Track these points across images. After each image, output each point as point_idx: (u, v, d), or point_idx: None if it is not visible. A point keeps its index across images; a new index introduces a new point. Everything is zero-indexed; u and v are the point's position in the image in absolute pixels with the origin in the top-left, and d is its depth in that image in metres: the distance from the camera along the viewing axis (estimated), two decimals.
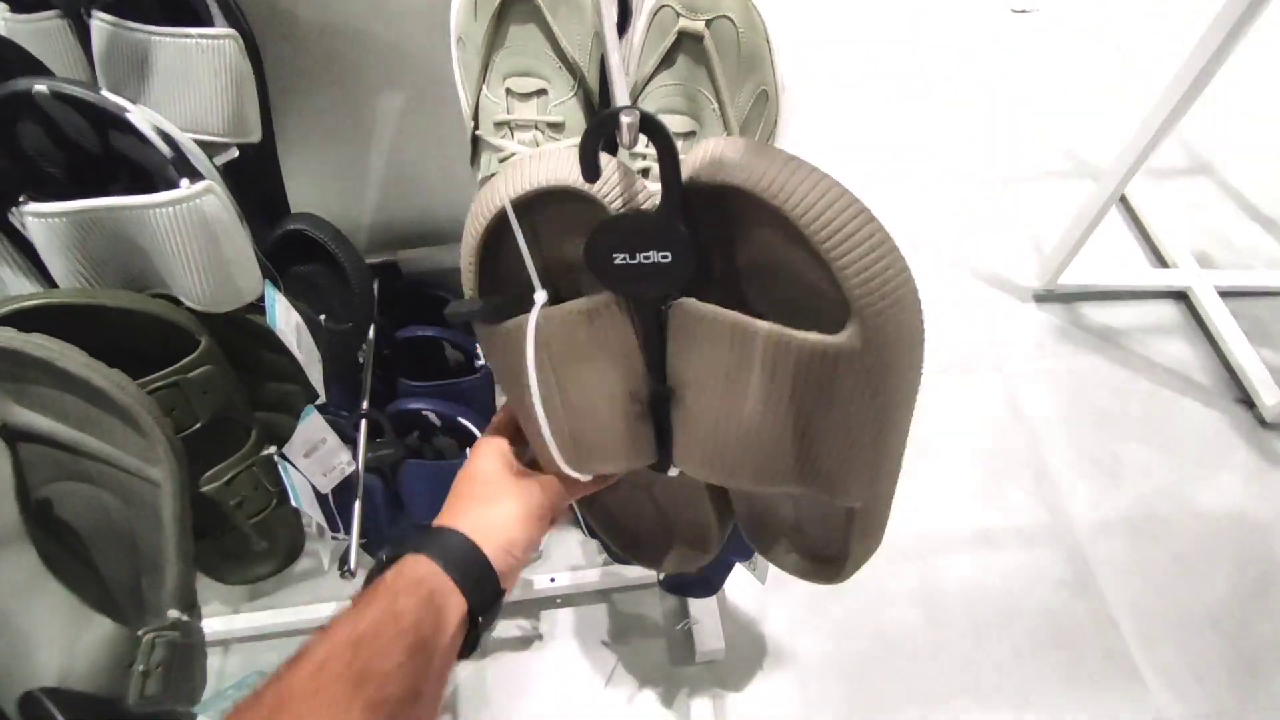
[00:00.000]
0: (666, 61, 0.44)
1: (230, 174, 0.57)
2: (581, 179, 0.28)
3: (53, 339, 0.33)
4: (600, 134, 0.27)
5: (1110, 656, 0.91)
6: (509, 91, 0.42)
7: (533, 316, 0.31)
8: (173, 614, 0.37)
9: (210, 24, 0.53)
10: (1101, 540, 0.99)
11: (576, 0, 0.41)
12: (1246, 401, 1.11)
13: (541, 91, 0.42)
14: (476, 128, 0.44)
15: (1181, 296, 1.23)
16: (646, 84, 0.45)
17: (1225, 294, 1.20)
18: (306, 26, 0.57)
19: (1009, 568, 0.97)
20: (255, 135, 0.56)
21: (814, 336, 0.28)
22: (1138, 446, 1.07)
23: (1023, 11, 1.71)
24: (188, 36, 0.51)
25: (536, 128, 0.42)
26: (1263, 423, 1.09)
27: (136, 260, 0.42)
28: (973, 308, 1.22)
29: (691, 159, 0.28)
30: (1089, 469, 1.05)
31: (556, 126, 0.42)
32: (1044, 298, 1.22)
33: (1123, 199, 1.35)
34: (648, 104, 0.46)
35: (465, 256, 0.32)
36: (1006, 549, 0.99)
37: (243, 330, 0.45)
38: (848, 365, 0.28)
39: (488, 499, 0.36)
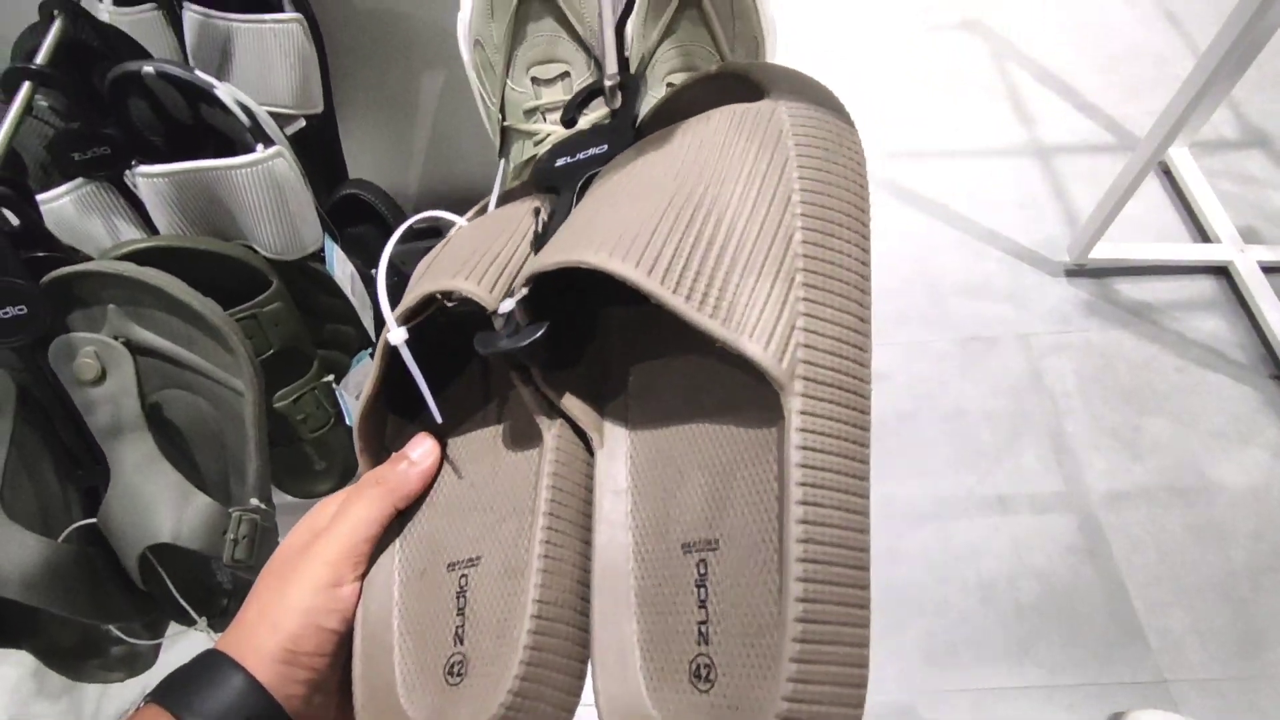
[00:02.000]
0: (669, 31, 0.50)
1: (296, 142, 0.66)
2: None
3: (162, 272, 0.42)
4: (584, 99, 0.33)
5: (1115, 618, 0.94)
6: (534, 80, 0.47)
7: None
8: (254, 501, 0.46)
9: (281, 10, 0.61)
10: (1115, 510, 1.01)
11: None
12: None
13: (565, 74, 0.47)
14: (505, 120, 0.48)
15: (1222, 272, 1.21)
16: (653, 54, 0.51)
17: (1269, 269, 1.18)
18: (362, 12, 0.65)
19: (1020, 532, 1.00)
20: (318, 107, 0.65)
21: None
22: (1160, 420, 1.08)
23: None
24: (262, 22, 0.59)
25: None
26: None
27: (223, 214, 0.50)
28: (1000, 281, 1.23)
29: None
30: (1107, 440, 1.07)
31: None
32: (1075, 272, 1.23)
33: (1167, 172, 1.33)
34: (655, 72, 0.51)
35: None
36: (1019, 514, 1.02)
37: (306, 276, 0.54)
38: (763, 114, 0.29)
39: (281, 576, 0.27)
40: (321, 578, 0.26)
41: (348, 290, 0.55)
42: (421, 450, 0.29)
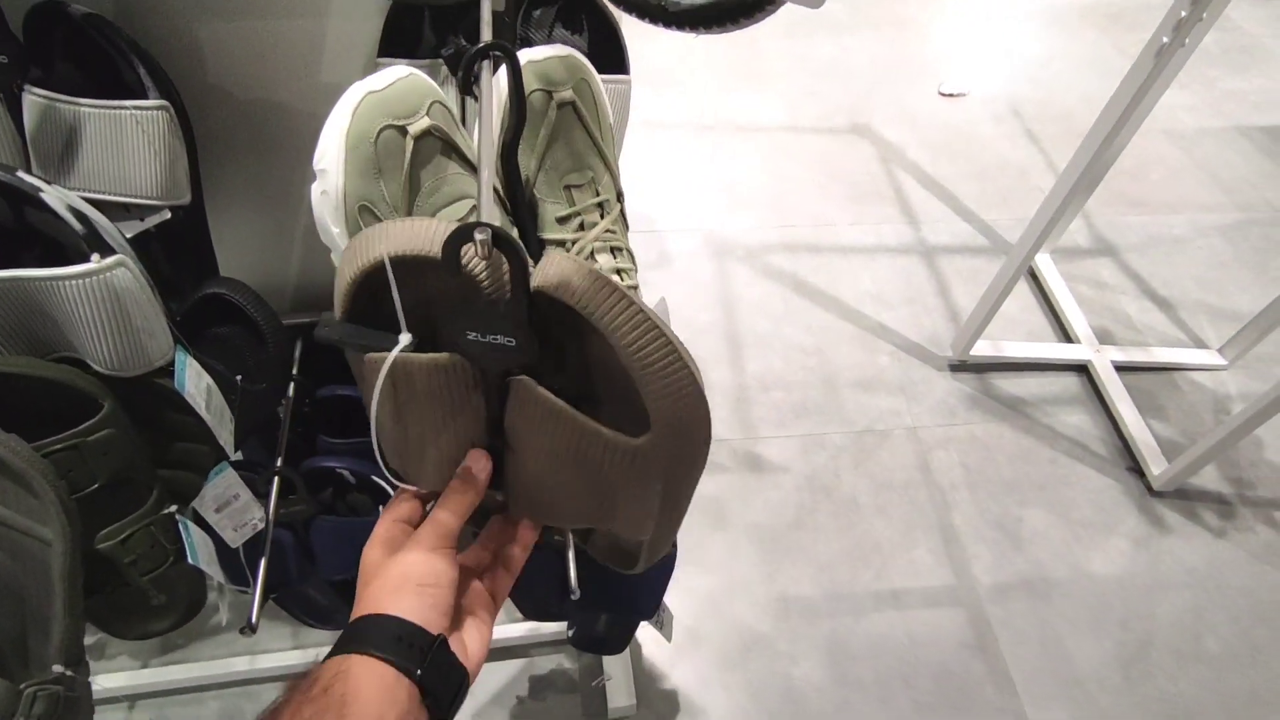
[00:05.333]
0: (553, 137, 0.49)
1: (161, 234, 0.60)
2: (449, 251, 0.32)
3: None
4: (459, 243, 0.31)
5: (1003, 714, 0.95)
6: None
7: (391, 355, 0.34)
8: (57, 669, 0.38)
9: (144, 95, 0.56)
10: (1001, 602, 1.05)
11: (465, 127, 0.45)
12: (1137, 470, 1.19)
13: (473, 209, 0.44)
14: None
15: (1083, 369, 1.32)
16: (542, 160, 0.49)
17: (1121, 368, 1.29)
18: (238, 100, 0.61)
19: (915, 628, 1.02)
20: (185, 198, 0.59)
21: (621, 438, 0.34)
22: (1037, 512, 1.14)
23: (951, 96, 1.84)
24: (121, 108, 0.54)
25: None
26: (1151, 490, 1.17)
27: (46, 326, 0.44)
28: (892, 374, 1.29)
29: (541, 271, 0.32)
30: (991, 532, 1.11)
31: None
32: (958, 367, 1.30)
33: (1034, 277, 1.45)
34: (547, 177, 0.49)
35: (339, 295, 0.35)
36: (913, 609, 1.03)
37: (150, 392, 0.47)
38: (644, 461, 0.34)
39: (378, 576, 0.36)
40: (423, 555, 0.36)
41: (201, 407, 0.49)
42: (479, 464, 0.38)
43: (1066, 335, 1.36)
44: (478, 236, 0.31)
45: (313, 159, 0.44)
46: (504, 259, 0.32)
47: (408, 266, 0.33)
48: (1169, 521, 1.13)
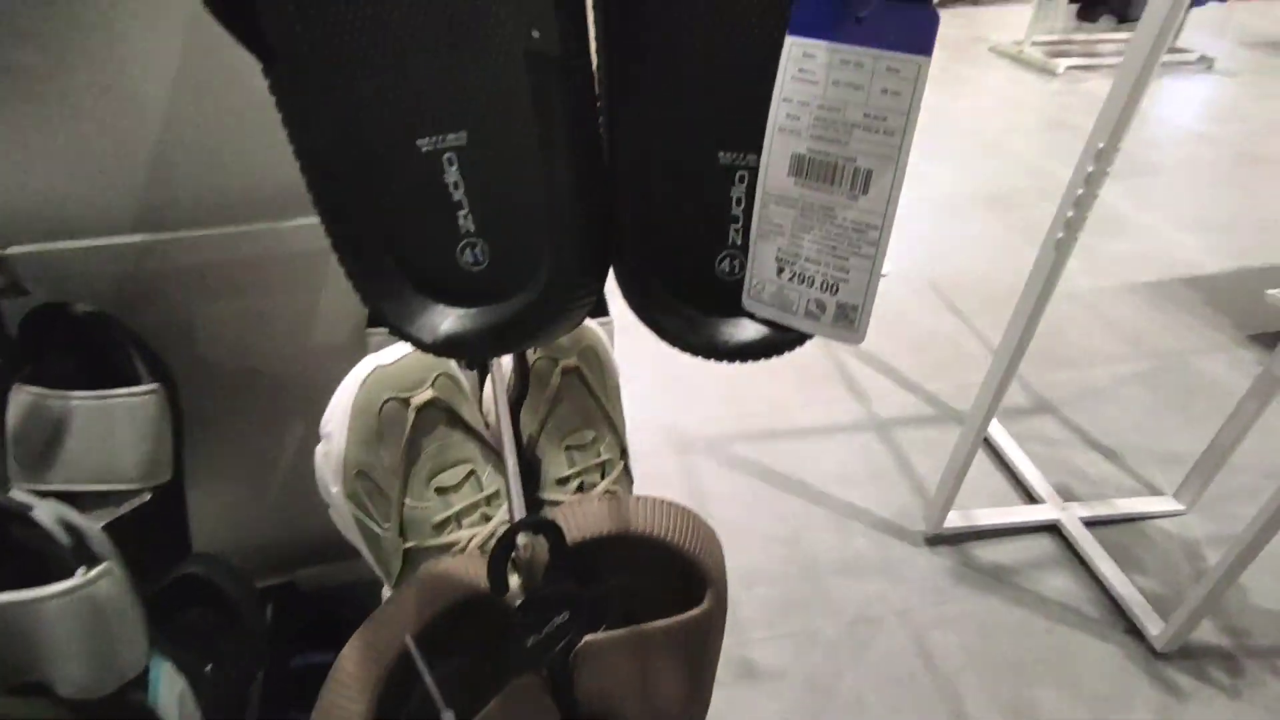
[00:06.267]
0: (557, 399, 0.51)
1: (136, 514, 0.58)
2: (487, 587, 0.32)
3: None
4: (507, 553, 0.32)
5: None
6: (440, 490, 0.44)
7: None
8: None
9: (137, 380, 0.57)
10: None
11: (469, 389, 0.47)
12: (1135, 632, 1.17)
13: (471, 473, 0.45)
14: (408, 541, 0.44)
15: (1054, 529, 1.34)
16: (544, 422, 0.51)
17: (1090, 524, 1.32)
18: (227, 372, 0.63)
19: None
20: (166, 477, 0.58)
21: (692, 612, 0.34)
22: (1049, 691, 1.10)
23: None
24: (112, 397, 0.55)
25: (478, 507, 0.45)
26: (1155, 653, 1.14)
27: (14, 648, 0.41)
28: (871, 555, 1.28)
29: (571, 525, 0.33)
30: (1008, 717, 1.06)
31: (493, 498, 0.46)
32: (934, 541, 1.30)
33: (987, 441, 1.51)
34: (549, 438, 0.51)
35: (355, 692, 0.33)
36: None
37: (119, 708, 0.44)
38: (710, 622, 0.37)
39: None
40: None
41: (173, 717, 0.45)
42: None
43: (1030, 496, 1.40)
44: (520, 541, 0.31)
45: (320, 422, 0.45)
46: (543, 541, 0.33)
47: (434, 629, 0.34)
48: (1183, 686, 1.10)
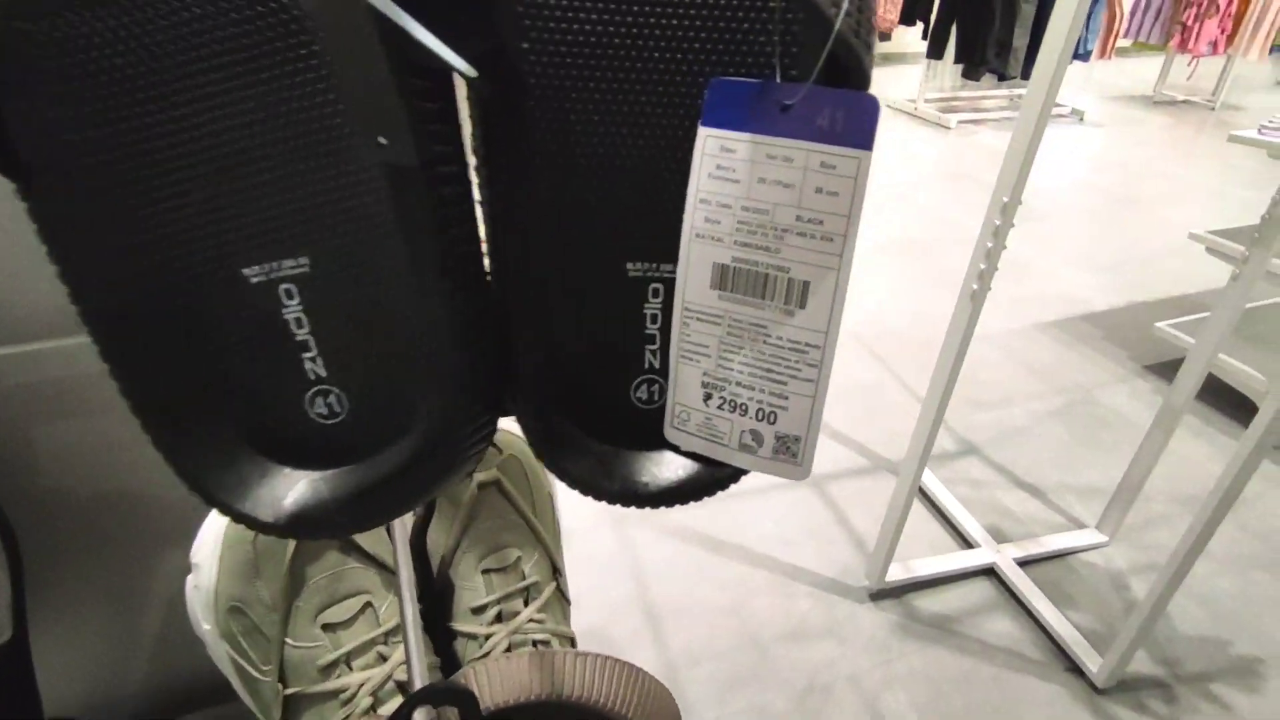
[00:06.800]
0: (473, 516, 0.46)
1: None
2: None
3: None
4: None
5: None
6: (327, 627, 0.39)
7: None
8: None
9: None
10: None
11: None
12: (1076, 670, 1.18)
13: (366, 605, 0.39)
14: (287, 687, 0.38)
15: (990, 572, 1.34)
16: (459, 541, 0.46)
17: (1023, 563, 1.34)
18: (82, 501, 0.54)
19: None
20: (6, 634, 0.49)
21: None
22: None
23: None
24: None
25: (374, 645, 0.39)
26: (1096, 689, 1.15)
27: None
28: (815, 617, 1.25)
29: (487, 690, 0.28)
30: None
31: (392, 634, 0.40)
32: (878, 595, 1.29)
33: (920, 489, 1.53)
34: (464, 559, 0.46)
35: None
36: None
37: None
38: None
39: None
40: None
41: None
42: None
43: (965, 540, 1.41)
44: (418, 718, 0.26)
45: (190, 550, 0.39)
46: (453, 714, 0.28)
47: None
48: None
